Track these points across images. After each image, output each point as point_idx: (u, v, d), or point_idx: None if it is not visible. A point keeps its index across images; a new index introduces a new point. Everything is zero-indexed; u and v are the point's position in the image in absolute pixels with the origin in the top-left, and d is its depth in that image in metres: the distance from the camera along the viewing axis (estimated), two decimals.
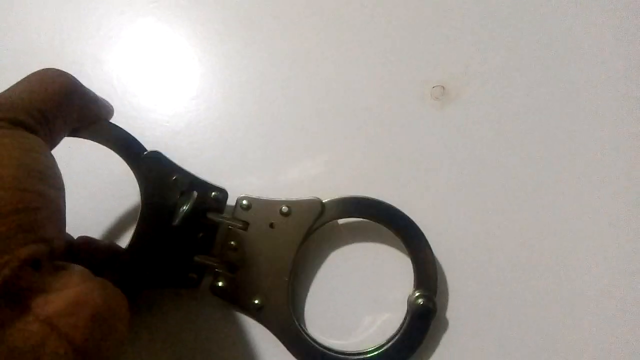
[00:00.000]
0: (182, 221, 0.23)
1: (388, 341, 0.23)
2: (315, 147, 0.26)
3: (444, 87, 0.26)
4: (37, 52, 0.28)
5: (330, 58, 0.27)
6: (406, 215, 0.24)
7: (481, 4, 0.28)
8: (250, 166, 0.26)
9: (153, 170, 0.23)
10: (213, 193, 0.24)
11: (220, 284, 0.23)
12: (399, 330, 0.23)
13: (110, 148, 0.23)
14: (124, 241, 0.23)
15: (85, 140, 0.22)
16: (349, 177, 0.26)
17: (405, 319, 0.23)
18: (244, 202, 0.23)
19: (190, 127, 0.26)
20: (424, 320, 0.23)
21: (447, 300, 0.24)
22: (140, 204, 0.23)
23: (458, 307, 0.24)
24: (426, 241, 0.23)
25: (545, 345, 0.23)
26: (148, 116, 0.27)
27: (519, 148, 0.26)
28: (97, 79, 0.27)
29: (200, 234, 0.23)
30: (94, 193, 0.25)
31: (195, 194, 0.23)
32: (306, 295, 0.24)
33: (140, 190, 0.23)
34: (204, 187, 0.24)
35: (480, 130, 0.26)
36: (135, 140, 0.23)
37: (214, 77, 0.27)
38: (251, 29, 0.28)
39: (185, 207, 0.23)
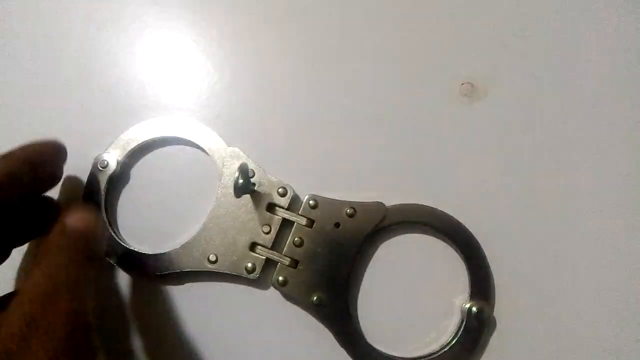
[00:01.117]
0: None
1: (441, 348, 0.23)
2: (343, 147, 0.26)
3: (472, 84, 0.27)
4: (71, 46, 0.28)
5: (359, 56, 0.28)
6: (463, 226, 0.25)
7: (514, 3, 0.28)
8: (278, 159, 0.26)
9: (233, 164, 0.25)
10: (280, 189, 0.25)
11: (281, 278, 0.24)
12: (452, 338, 0.23)
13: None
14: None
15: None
16: (379, 176, 0.26)
17: (459, 327, 0.23)
18: (312, 201, 0.24)
19: (218, 120, 0.27)
20: (477, 329, 0.23)
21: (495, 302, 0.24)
22: (217, 194, 0.24)
23: (504, 310, 0.24)
24: (482, 252, 0.24)
25: (591, 347, 0.24)
26: (177, 109, 0.27)
27: (551, 144, 0.26)
28: (130, 71, 0.28)
29: (266, 227, 0.24)
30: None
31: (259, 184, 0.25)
32: (363, 296, 0.25)
33: (219, 182, 0.25)
34: (271, 182, 0.25)
35: (511, 127, 0.26)
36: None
37: (244, 71, 0.28)
38: (281, 24, 0.28)
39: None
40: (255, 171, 0.25)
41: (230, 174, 0.25)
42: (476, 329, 0.23)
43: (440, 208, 0.25)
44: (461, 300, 0.24)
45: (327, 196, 0.25)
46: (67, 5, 0.29)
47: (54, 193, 0.26)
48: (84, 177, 0.25)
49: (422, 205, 0.25)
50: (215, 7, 0.29)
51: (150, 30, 0.28)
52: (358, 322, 0.24)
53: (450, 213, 0.25)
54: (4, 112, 0.27)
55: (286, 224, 0.24)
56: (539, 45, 0.28)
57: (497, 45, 0.28)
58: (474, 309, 0.23)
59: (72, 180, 0.26)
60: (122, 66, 0.28)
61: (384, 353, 0.24)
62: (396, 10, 0.28)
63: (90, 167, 0.25)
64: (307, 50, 0.28)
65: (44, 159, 0.23)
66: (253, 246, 0.24)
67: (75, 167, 0.26)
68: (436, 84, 0.27)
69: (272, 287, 0.24)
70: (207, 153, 0.26)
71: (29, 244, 0.24)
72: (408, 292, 0.25)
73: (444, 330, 0.24)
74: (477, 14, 0.28)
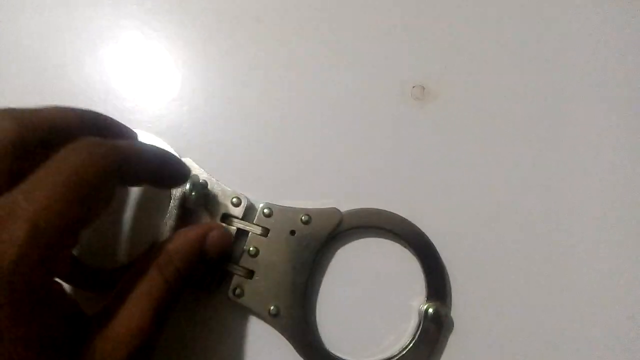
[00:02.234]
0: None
1: (400, 351, 0.23)
2: (296, 150, 0.26)
3: (423, 87, 0.27)
4: (20, 54, 0.28)
5: (310, 61, 0.28)
6: (418, 228, 0.25)
7: (460, 3, 0.29)
8: (231, 168, 0.26)
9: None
10: (234, 199, 0.24)
11: (237, 288, 0.23)
12: (411, 341, 0.23)
13: None
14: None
15: None
16: (332, 180, 0.26)
17: (417, 329, 0.24)
18: (266, 209, 0.24)
19: (172, 129, 0.27)
20: (435, 330, 0.23)
21: (451, 303, 0.25)
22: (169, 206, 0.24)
23: (462, 309, 0.25)
24: (437, 253, 0.25)
25: (549, 348, 0.24)
26: (131, 118, 0.27)
27: (502, 145, 0.27)
28: (79, 81, 0.27)
29: None
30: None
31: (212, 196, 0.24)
32: (321, 303, 0.24)
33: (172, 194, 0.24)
34: (225, 192, 0.24)
35: (462, 129, 0.27)
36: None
37: (196, 80, 0.27)
38: (233, 32, 0.28)
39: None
40: (208, 182, 0.25)
41: (182, 187, 0.25)
42: (434, 330, 0.23)
43: (395, 211, 0.25)
44: (418, 303, 0.24)
45: (282, 204, 0.25)
46: (16, 16, 0.28)
47: None
48: None
49: (377, 209, 0.25)
50: (166, 19, 0.28)
51: (100, 42, 0.28)
52: (317, 331, 0.24)
53: (405, 216, 0.25)
54: None
55: (241, 234, 0.24)
56: (489, 48, 0.28)
57: (447, 48, 0.28)
58: (430, 310, 0.23)
59: None
60: (72, 77, 0.27)
61: None
62: (347, 15, 0.29)
63: None
64: (257, 58, 0.28)
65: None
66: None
67: None
68: (388, 87, 0.28)
69: (228, 298, 0.23)
70: None
71: None
72: (366, 297, 0.25)
73: (403, 333, 0.24)
74: (427, 17, 0.29)
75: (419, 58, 0.28)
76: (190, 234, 0.20)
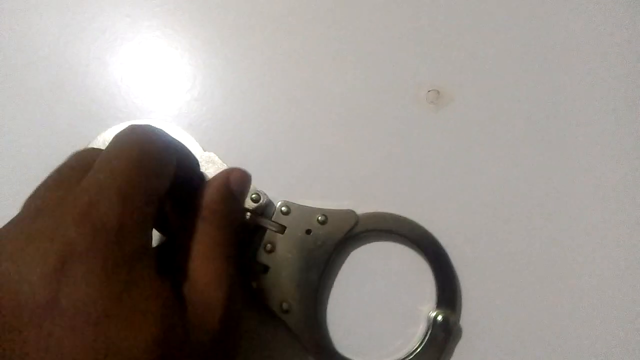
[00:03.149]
0: None
1: (407, 356, 0.24)
2: (314, 150, 0.27)
3: (438, 91, 0.28)
4: (42, 53, 0.29)
5: (328, 63, 0.28)
6: (431, 235, 0.25)
7: (474, 8, 0.29)
8: (251, 165, 0.25)
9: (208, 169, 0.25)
10: (253, 195, 0.25)
11: (251, 283, 0.24)
12: (418, 346, 0.24)
13: None
14: None
15: None
16: (349, 182, 0.26)
17: (425, 335, 0.24)
18: (284, 207, 0.25)
19: (194, 126, 0.27)
20: (443, 338, 0.24)
21: (461, 311, 0.25)
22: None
23: (471, 318, 0.25)
24: (449, 261, 0.25)
25: (558, 355, 0.24)
26: (152, 116, 0.28)
27: (518, 150, 0.27)
28: (101, 81, 0.28)
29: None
30: None
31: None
32: (332, 303, 0.25)
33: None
34: None
35: (477, 133, 0.27)
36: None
37: (217, 79, 0.28)
38: (252, 33, 0.29)
39: None
40: None
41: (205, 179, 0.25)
42: (442, 337, 0.24)
43: (409, 216, 0.25)
44: (428, 309, 0.25)
45: (300, 203, 0.25)
46: (39, 16, 0.29)
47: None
48: None
49: (392, 213, 0.25)
50: (186, 18, 0.29)
51: (121, 42, 0.29)
52: (326, 329, 0.25)
53: (420, 221, 0.25)
54: None
55: (259, 229, 0.25)
56: (504, 52, 0.28)
57: (462, 52, 0.29)
58: (439, 317, 0.24)
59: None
60: (94, 76, 0.28)
61: None
62: (364, 18, 0.29)
63: None
64: (280, 59, 0.28)
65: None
66: None
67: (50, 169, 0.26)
68: (403, 91, 0.28)
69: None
70: None
71: None
72: (376, 300, 0.25)
73: (410, 338, 0.24)
74: (441, 21, 0.29)
75: (434, 62, 0.28)
76: (214, 182, 0.21)
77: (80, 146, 0.25)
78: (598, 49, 0.28)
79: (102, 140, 0.26)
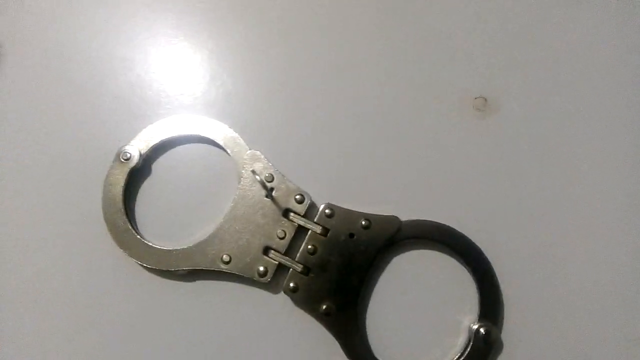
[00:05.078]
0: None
1: None
2: (360, 154, 0.27)
3: (485, 99, 0.27)
4: (81, 52, 0.29)
5: (374, 70, 0.28)
6: (476, 245, 0.25)
7: (522, 17, 0.28)
8: (297, 166, 0.26)
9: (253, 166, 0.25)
10: (297, 195, 0.25)
11: (292, 284, 0.24)
12: (459, 357, 0.23)
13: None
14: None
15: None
16: (393, 188, 0.26)
17: (466, 347, 0.23)
18: (328, 210, 0.24)
19: (241, 124, 0.27)
20: (484, 351, 0.23)
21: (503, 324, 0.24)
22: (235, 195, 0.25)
23: (513, 333, 0.24)
24: (494, 273, 0.24)
25: None
26: (196, 112, 0.27)
27: (566, 160, 0.26)
28: (144, 79, 0.28)
29: (281, 233, 0.24)
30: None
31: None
32: (372, 308, 0.25)
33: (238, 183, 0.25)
34: (289, 188, 0.25)
35: (525, 142, 0.27)
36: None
37: (263, 78, 0.28)
38: (295, 32, 0.29)
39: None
40: (274, 176, 0.25)
41: (249, 175, 0.25)
42: (483, 350, 0.23)
43: (454, 225, 0.25)
44: (469, 320, 0.24)
45: (343, 206, 0.25)
46: (79, 17, 0.29)
47: (73, 183, 0.26)
48: (106, 170, 0.26)
49: (436, 222, 0.25)
50: (234, 13, 0.29)
51: (166, 39, 0.29)
52: (366, 334, 0.24)
53: (464, 231, 0.25)
54: (30, 112, 0.28)
55: (301, 230, 0.25)
56: (551, 60, 0.28)
57: (509, 60, 0.28)
58: (481, 330, 0.23)
59: (93, 172, 0.26)
60: (145, 69, 0.28)
61: None
62: (411, 26, 0.29)
63: (112, 159, 0.26)
64: (328, 62, 0.28)
65: None
66: (267, 250, 0.24)
67: (98, 159, 0.26)
68: (450, 98, 0.27)
69: (282, 293, 0.24)
70: (228, 153, 0.26)
71: None
72: (417, 308, 0.25)
73: (450, 349, 0.24)
74: (489, 28, 0.28)
75: (481, 69, 0.28)
76: None
77: (124, 140, 0.26)
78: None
79: (149, 134, 0.26)
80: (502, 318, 0.24)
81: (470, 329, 0.24)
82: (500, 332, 0.24)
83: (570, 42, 0.28)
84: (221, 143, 0.26)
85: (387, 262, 0.25)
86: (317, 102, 0.28)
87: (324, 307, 0.24)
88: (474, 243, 0.25)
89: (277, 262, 0.24)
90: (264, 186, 0.24)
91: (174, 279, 0.25)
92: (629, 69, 0.28)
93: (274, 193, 0.25)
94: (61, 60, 0.28)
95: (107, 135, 0.27)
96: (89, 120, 0.27)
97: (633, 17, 0.28)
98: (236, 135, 0.26)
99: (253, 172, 0.24)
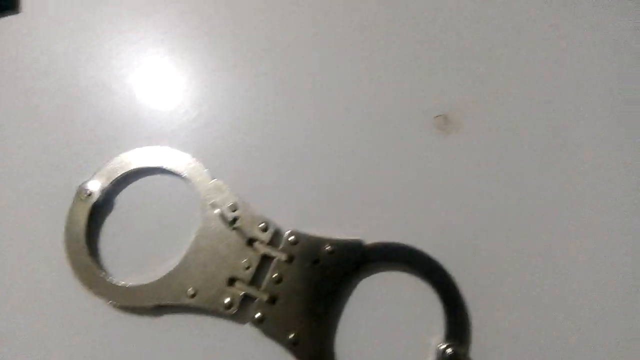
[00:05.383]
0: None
1: None
2: (322, 178, 0.27)
3: (446, 117, 0.27)
4: (51, 79, 0.29)
5: (335, 92, 0.28)
6: (441, 266, 0.25)
7: (481, 34, 0.29)
8: (260, 193, 0.26)
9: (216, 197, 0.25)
10: (261, 224, 0.25)
11: (259, 314, 0.24)
12: None
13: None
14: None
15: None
16: (357, 210, 0.26)
17: None
18: (292, 237, 0.25)
19: (202, 153, 0.27)
20: None
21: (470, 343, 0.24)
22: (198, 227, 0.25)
23: (481, 352, 0.24)
24: (459, 293, 0.25)
25: None
26: (161, 142, 0.27)
27: (529, 176, 0.27)
28: (110, 108, 0.28)
29: (246, 263, 0.24)
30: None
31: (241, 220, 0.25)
32: (340, 334, 0.25)
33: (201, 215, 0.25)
34: (253, 217, 0.25)
35: (487, 160, 0.27)
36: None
37: (225, 106, 0.28)
38: (259, 60, 0.29)
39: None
40: (238, 205, 0.25)
41: (213, 207, 0.25)
42: None
43: (418, 245, 0.25)
44: (437, 341, 0.24)
45: (309, 231, 0.25)
46: (50, 42, 0.30)
47: (35, 222, 0.26)
48: (67, 207, 0.26)
49: (400, 243, 0.25)
50: (192, 46, 0.29)
51: (128, 69, 0.29)
52: None
53: (429, 251, 0.25)
54: None
55: (266, 259, 0.25)
56: (510, 75, 0.28)
57: (469, 77, 0.28)
58: (448, 350, 0.23)
59: (55, 209, 0.26)
60: (104, 100, 0.28)
61: None
62: (368, 47, 0.29)
63: (73, 196, 0.26)
64: (288, 87, 0.28)
65: None
66: (232, 281, 0.24)
67: (59, 196, 0.26)
68: (411, 118, 0.28)
69: (250, 323, 0.24)
70: (191, 185, 0.26)
71: None
72: (385, 330, 0.25)
73: None
74: (448, 46, 0.29)
75: (441, 87, 0.28)
76: None
77: (86, 175, 0.26)
78: (607, 72, 0.28)
79: (110, 168, 0.26)
80: (470, 337, 0.24)
81: (437, 349, 0.24)
82: (468, 351, 0.24)
83: (528, 57, 0.29)
84: (184, 174, 0.26)
85: (353, 287, 0.25)
86: (279, 129, 0.28)
87: (292, 335, 0.24)
88: (437, 262, 0.25)
89: (242, 293, 0.24)
90: (224, 219, 0.24)
91: (140, 314, 0.25)
92: (592, 80, 0.28)
93: (238, 222, 0.25)
94: (19, 95, 0.28)
95: (68, 170, 0.27)
96: (49, 155, 0.27)
97: (589, 31, 0.29)
98: (199, 165, 0.26)
99: (212, 205, 0.24)
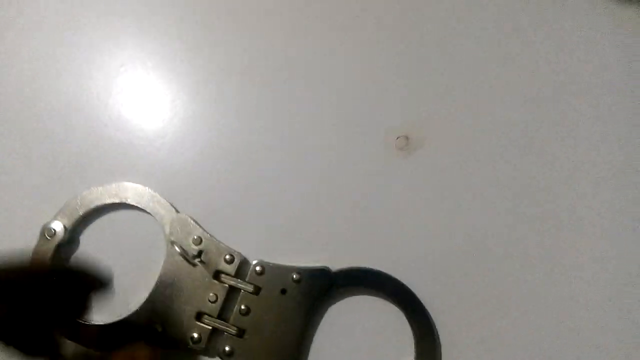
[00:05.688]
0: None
1: None
2: (287, 206, 0.27)
3: (407, 137, 0.27)
4: (37, 98, 0.29)
5: (295, 118, 0.28)
6: (406, 287, 0.25)
7: (440, 54, 0.29)
8: (225, 225, 0.26)
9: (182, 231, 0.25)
10: (227, 256, 0.25)
11: (227, 348, 0.24)
12: None
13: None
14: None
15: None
16: (323, 237, 0.26)
17: None
18: (258, 267, 0.24)
19: (168, 184, 0.27)
20: None
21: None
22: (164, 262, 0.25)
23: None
24: (426, 312, 0.25)
25: None
26: (124, 172, 0.27)
27: (488, 194, 0.27)
28: (70, 142, 0.28)
29: (212, 296, 0.24)
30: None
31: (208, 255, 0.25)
32: None
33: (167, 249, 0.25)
34: (219, 249, 0.25)
35: (448, 179, 0.27)
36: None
37: (188, 138, 0.28)
38: (220, 88, 0.29)
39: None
40: (202, 238, 0.25)
41: (179, 240, 0.25)
42: None
43: (384, 268, 0.25)
44: None
45: (276, 260, 0.25)
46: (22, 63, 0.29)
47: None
48: (32, 247, 0.25)
49: (367, 268, 0.25)
50: (154, 72, 0.29)
51: (87, 99, 0.29)
52: None
53: (395, 273, 0.25)
54: None
55: (233, 291, 0.25)
56: (471, 94, 0.28)
57: (429, 97, 0.28)
58: None
59: (19, 251, 0.26)
60: (63, 133, 0.28)
61: None
62: (329, 70, 0.29)
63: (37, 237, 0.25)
64: (250, 116, 0.28)
65: None
66: (199, 316, 0.24)
67: (22, 237, 0.26)
68: (372, 139, 0.28)
69: (218, 357, 0.24)
70: (156, 220, 0.26)
71: None
72: (356, 356, 0.25)
73: None
74: (407, 67, 0.29)
75: (401, 108, 0.28)
76: None
77: (49, 213, 0.26)
78: (574, 84, 0.28)
79: (73, 206, 0.26)
80: (440, 357, 0.25)
81: None
82: None
83: (488, 77, 0.28)
84: (148, 209, 0.26)
85: (323, 313, 0.25)
86: (241, 158, 0.28)
87: None
88: (404, 285, 0.25)
89: (210, 328, 0.24)
90: (185, 257, 0.24)
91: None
92: (558, 93, 0.28)
93: (203, 255, 0.25)
94: None
95: (31, 209, 0.26)
96: (10, 196, 0.27)
97: (550, 48, 0.29)
98: (163, 200, 0.26)
99: (172, 243, 0.24)
